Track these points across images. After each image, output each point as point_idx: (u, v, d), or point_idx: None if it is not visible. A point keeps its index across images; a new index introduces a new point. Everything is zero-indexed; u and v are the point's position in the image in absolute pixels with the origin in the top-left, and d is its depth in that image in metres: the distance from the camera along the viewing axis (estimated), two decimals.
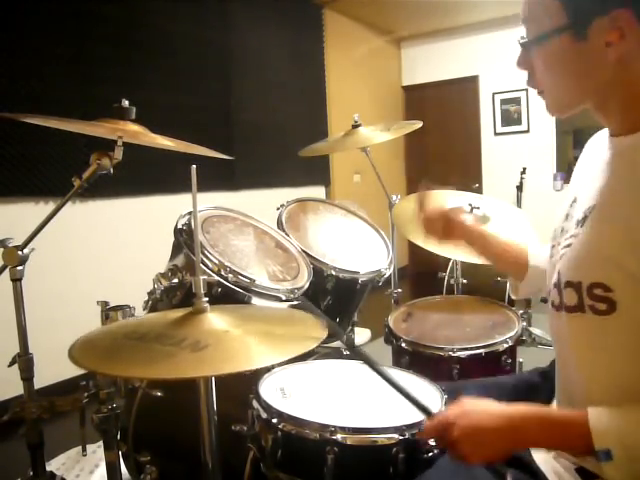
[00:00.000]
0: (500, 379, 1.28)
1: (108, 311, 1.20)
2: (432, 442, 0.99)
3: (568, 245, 0.85)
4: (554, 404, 1.03)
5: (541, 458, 0.92)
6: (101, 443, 1.24)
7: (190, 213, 1.49)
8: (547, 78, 0.84)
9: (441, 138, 6.03)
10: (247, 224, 1.74)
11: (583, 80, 0.81)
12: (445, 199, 1.23)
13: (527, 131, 5.46)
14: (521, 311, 1.74)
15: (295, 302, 1.50)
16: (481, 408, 0.82)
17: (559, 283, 0.85)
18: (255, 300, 1.43)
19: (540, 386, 1.12)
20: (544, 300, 1.28)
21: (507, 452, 0.81)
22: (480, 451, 0.80)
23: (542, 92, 0.86)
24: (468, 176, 5.69)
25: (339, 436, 0.96)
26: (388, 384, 0.87)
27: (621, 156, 0.82)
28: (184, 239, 1.46)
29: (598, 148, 0.91)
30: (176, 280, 1.40)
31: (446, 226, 1.23)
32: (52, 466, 2.02)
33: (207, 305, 0.98)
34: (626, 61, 0.76)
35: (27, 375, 1.27)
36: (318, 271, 1.70)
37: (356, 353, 0.93)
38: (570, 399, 0.90)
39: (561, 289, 0.84)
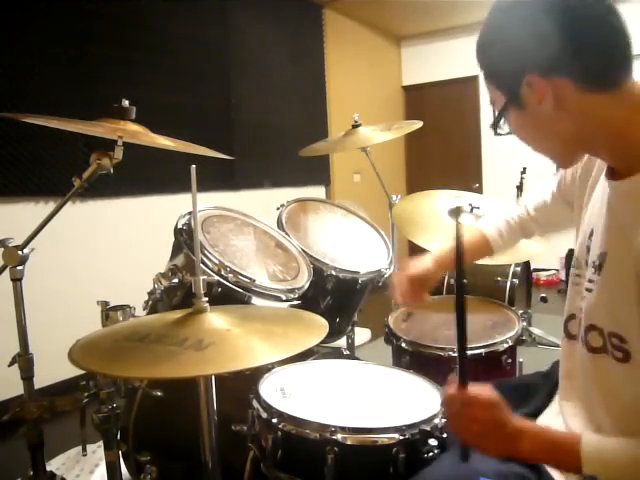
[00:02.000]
0: (502, 382, 1.29)
1: (108, 311, 1.20)
2: (434, 442, 0.99)
3: (589, 290, 0.88)
4: (554, 405, 1.03)
5: None
6: (101, 443, 1.24)
7: (190, 213, 1.49)
8: (531, 146, 0.89)
9: (441, 138, 6.03)
10: (247, 224, 1.74)
11: (551, 139, 0.86)
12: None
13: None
14: (521, 311, 1.74)
15: (295, 302, 1.50)
16: (503, 411, 0.85)
17: (583, 323, 0.88)
18: (255, 300, 1.44)
19: (541, 388, 1.13)
20: (544, 300, 1.29)
21: (501, 455, 0.86)
22: (480, 440, 0.84)
23: (540, 154, 0.91)
24: (468, 176, 5.69)
25: (339, 436, 0.96)
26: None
27: (621, 201, 0.83)
28: (184, 239, 1.46)
29: (601, 173, 0.92)
30: (176, 280, 1.40)
31: (416, 287, 1.38)
32: (52, 466, 2.02)
33: (207, 305, 0.98)
34: (571, 110, 0.80)
35: (27, 375, 1.27)
36: (318, 271, 1.70)
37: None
38: (591, 412, 0.91)
39: (585, 330, 0.88)
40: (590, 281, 0.87)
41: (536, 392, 1.12)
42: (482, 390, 0.86)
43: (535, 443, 0.83)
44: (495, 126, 0.89)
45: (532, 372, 1.25)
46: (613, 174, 0.85)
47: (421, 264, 1.38)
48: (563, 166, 0.92)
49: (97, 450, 2.05)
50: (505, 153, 5.69)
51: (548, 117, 0.81)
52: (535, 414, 1.04)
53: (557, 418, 0.98)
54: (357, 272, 1.77)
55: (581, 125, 0.81)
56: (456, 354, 1.47)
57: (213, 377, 1.04)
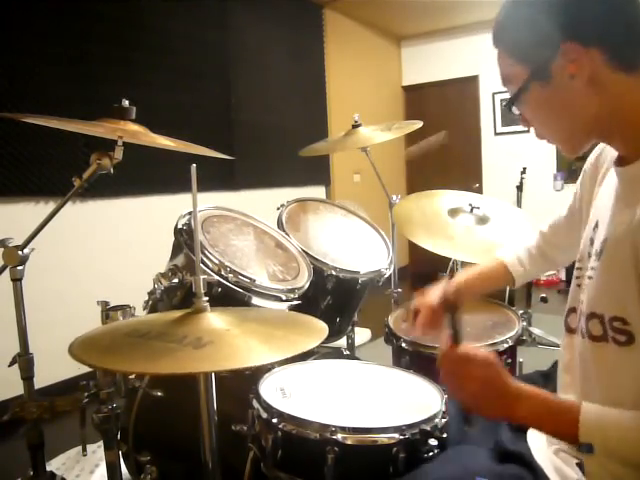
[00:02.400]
0: None
1: (108, 311, 1.20)
2: (434, 442, 0.99)
3: (590, 277, 0.88)
4: None
5: (541, 455, 0.92)
6: (101, 443, 1.24)
7: (190, 213, 1.49)
8: (543, 128, 0.89)
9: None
10: (247, 224, 1.74)
11: (571, 118, 0.84)
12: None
13: (527, 131, 5.38)
14: (521, 311, 1.73)
15: (295, 302, 1.50)
16: (500, 369, 0.85)
17: (584, 312, 0.88)
18: (255, 300, 1.43)
19: (541, 387, 1.13)
20: (544, 300, 1.29)
21: (497, 417, 0.87)
22: (478, 400, 0.85)
23: (546, 139, 0.90)
24: (468, 176, 5.69)
25: (339, 436, 0.96)
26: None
27: (628, 187, 0.84)
28: (184, 239, 1.46)
29: (611, 166, 0.92)
30: (176, 280, 1.40)
31: (438, 317, 1.30)
32: (52, 466, 2.03)
33: (207, 305, 0.98)
34: (599, 86, 0.79)
35: (27, 375, 1.27)
36: (318, 271, 1.70)
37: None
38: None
39: (586, 318, 0.87)
40: (592, 269, 0.87)
41: None
42: (479, 350, 0.87)
43: (533, 406, 0.82)
44: (511, 104, 0.87)
45: (533, 371, 1.26)
46: (621, 162, 0.86)
47: (438, 294, 1.31)
48: (569, 152, 0.89)
49: (97, 450, 2.05)
50: (505, 153, 5.70)
51: (576, 93, 0.80)
52: None
53: None
54: (357, 272, 1.77)
55: (605, 105, 0.80)
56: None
57: (213, 377, 1.04)
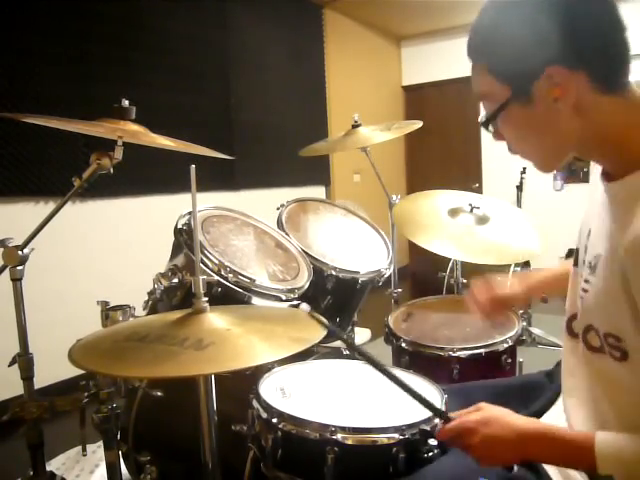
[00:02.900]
0: (506, 380, 1.29)
1: (108, 311, 1.20)
2: (434, 442, 0.99)
3: (585, 290, 0.87)
4: (559, 404, 1.03)
5: None
6: (101, 443, 1.24)
7: (190, 213, 1.49)
8: (519, 145, 0.86)
9: (441, 138, 6.03)
10: (247, 224, 1.74)
11: (552, 139, 0.82)
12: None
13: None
14: (521, 311, 1.73)
15: (295, 302, 1.50)
16: (501, 419, 0.86)
17: (582, 323, 0.88)
18: (255, 300, 1.43)
19: (546, 387, 1.13)
20: (544, 300, 1.29)
21: (515, 462, 0.86)
22: (492, 458, 0.85)
23: (523, 156, 0.88)
24: (468, 176, 5.69)
25: (339, 436, 0.96)
26: (395, 384, 0.89)
27: (616, 205, 0.82)
28: (184, 239, 1.46)
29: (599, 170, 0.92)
30: (176, 280, 1.40)
31: (497, 306, 1.28)
32: (52, 466, 2.02)
33: (207, 305, 0.98)
34: (584, 109, 0.78)
35: (27, 375, 1.27)
36: (318, 271, 1.70)
37: (364, 357, 0.95)
38: (595, 412, 0.91)
39: (584, 331, 0.87)
40: (586, 281, 0.86)
41: (541, 391, 1.11)
42: (469, 415, 0.87)
43: (543, 448, 0.82)
44: (488, 123, 0.85)
45: (534, 372, 1.25)
46: (607, 176, 0.85)
47: (510, 286, 1.28)
48: (545, 169, 0.88)
49: (97, 450, 2.05)
50: (505, 153, 5.64)
51: (558, 115, 0.78)
52: (541, 413, 1.04)
53: (562, 416, 0.98)
54: (357, 272, 1.77)
55: (588, 128, 0.79)
56: (456, 354, 1.48)
57: (213, 377, 1.04)
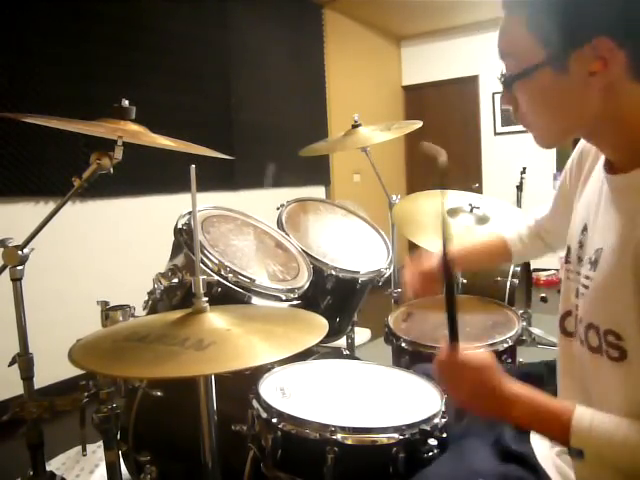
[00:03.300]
0: (506, 370, 1.28)
1: (108, 311, 1.20)
2: (433, 442, 0.99)
3: (586, 287, 0.85)
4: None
5: (544, 456, 0.92)
6: (101, 443, 1.24)
7: (190, 213, 1.49)
8: (531, 114, 0.81)
9: (441, 138, 6.03)
10: (247, 224, 1.74)
11: (569, 114, 0.78)
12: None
13: (527, 131, 5.46)
14: (521, 311, 1.74)
15: (295, 302, 1.50)
16: (494, 372, 0.86)
17: (582, 321, 0.86)
18: (255, 300, 1.44)
19: (545, 377, 1.12)
20: (544, 300, 1.29)
21: (490, 415, 0.88)
22: (472, 402, 0.87)
23: (529, 128, 0.84)
24: (468, 176, 5.69)
25: (339, 436, 0.96)
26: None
27: (620, 195, 0.80)
28: (184, 239, 1.46)
29: (597, 168, 0.90)
30: (176, 280, 1.40)
31: (428, 282, 1.34)
32: (52, 466, 2.02)
33: (207, 305, 0.98)
34: (613, 91, 0.74)
35: (27, 375, 1.27)
36: (318, 271, 1.70)
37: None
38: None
39: (585, 328, 0.85)
40: (587, 278, 0.84)
41: (540, 382, 1.11)
42: (474, 354, 0.88)
43: (526, 409, 0.82)
44: (511, 83, 0.79)
45: (537, 361, 1.26)
46: (611, 168, 0.82)
47: (433, 259, 1.35)
48: (546, 145, 0.84)
49: (97, 450, 2.05)
50: (505, 153, 5.70)
51: (586, 91, 0.74)
52: None
53: None
54: (357, 272, 1.77)
55: (610, 110, 0.75)
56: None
57: (213, 377, 1.04)
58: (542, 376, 1.14)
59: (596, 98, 0.74)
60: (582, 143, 0.99)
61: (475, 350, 0.89)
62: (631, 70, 0.72)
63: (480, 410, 0.87)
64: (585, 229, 0.88)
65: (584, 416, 0.77)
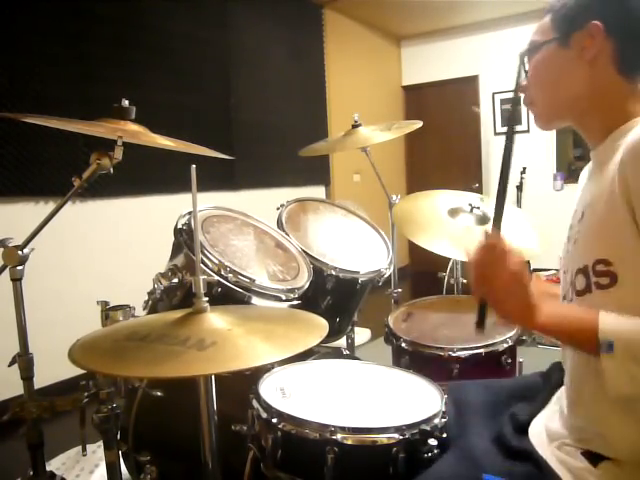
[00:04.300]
0: (501, 380, 1.29)
1: (108, 311, 1.20)
2: (434, 442, 0.99)
3: (575, 242, 0.93)
4: (552, 404, 1.03)
5: (544, 451, 0.93)
6: (101, 443, 1.24)
7: (190, 213, 1.49)
8: (534, 86, 0.98)
9: (441, 138, 6.03)
10: (247, 224, 1.74)
11: (564, 88, 0.95)
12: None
13: (527, 131, 5.45)
14: None
15: (295, 302, 1.50)
16: (527, 273, 0.86)
17: (571, 274, 0.92)
18: (255, 300, 1.43)
19: (540, 387, 1.13)
20: None
21: (516, 319, 0.88)
22: (503, 296, 0.85)
23: (532, 104, 1.00)
24: (468, 176, 5.69)
25: (339, 436, 0.96)
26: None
27: (601, 162, 0.91)
28: (184, 239, 1.46)
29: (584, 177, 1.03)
30: (176, 280, 1.40)
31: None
32: (52, 466, 2.02)
33: (207, 305, 0.98)
34: (600, 76, 0.90)
35: (27, 375, 1.27)
36: (318, 271, 1.70)
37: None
38: (580, 392, 0.92)
39: (573, 281, 0.91)
40: (577, 232, 0.92)
41: (537, 392, 1.12)
42: (514, 249, 0.87)
43: (553, 315, 0.84)
44: (530, 52, 0.97)
45: (532, 372, 1.26)
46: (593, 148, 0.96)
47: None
48: (544, 123, 1.01)
49: (97, 450, 2.05)
50: None
51: (577, 65, 0.91)
52: (535, 413, 1.04)
53: (555, 416, 0.98)
54: (357, 272, 1.77)
55: (591, 88, 0.91)
56: (456, 354, 1.48)
57: (213, 377, 1.04)
58: (537, 385, 1.15)
59: (586, 75, 0.91)
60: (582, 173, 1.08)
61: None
62: (616, 62, 0.90)
63: (507, 308, 0.85)
64: (575, 212, 0.96)
65: (608, 315, 0.80)
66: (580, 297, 0.89)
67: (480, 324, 0.88)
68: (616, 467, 0.84)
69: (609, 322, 0.79)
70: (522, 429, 1.00)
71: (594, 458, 0.86)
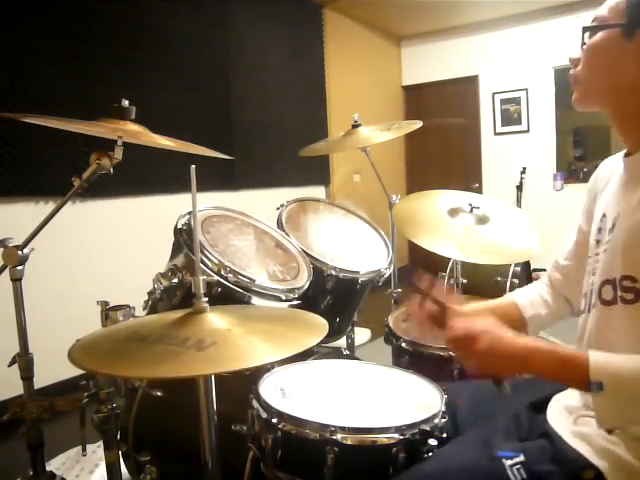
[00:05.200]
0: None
1: (108, 311, 1.20)
2: (434, 442, 0.99)
3: (605, 250, 0.95)
4: (555, 400, 1.03)
5: (562, 427, 0.95)
6: (101, 443, 1.24)
7: (190, 213, 1.49)
8: (585, 66, 0.95)
9: (441, 138, 6.03)
10: (247, 224, 1.74)
11: (613, 76, 0.93)
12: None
13: (527, 131, 5.46)
14: None
15: (295, 302, 1.50)
16: (502, 331, 0.91)
17: (597, 282, 0.95)
18: (255, 300, 1.44)
19: (538, 387, 1.13)
20: None
21: (513, 373, 0.94)
22: (494, 366, 0.91)
23: (577, 83, 0.98)
24: (468, 176, 5.69)
25: (339, 436, 0.96)
26: None
27: (634, 172, 0.93)
28: (184, 239, 1.46)
29: (616, 169, 1.02)
30: (176, 280, 1.40)
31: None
32: (52, 466, 2.02)
33: (207, 305, 0.98)
34: None
35: (27, 375, 1.27)
36: (318, 271, 1.70)
37: None
38: None
39: (599, 289, 0.94)
40: (606, 243, 0.94)
41: (539, 389, 1.12)
42: (474, 322, 0.92)
43: (542, 360, 0.86)
44: (590, 31, 0.94)
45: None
46: (626, 155, 0.97)
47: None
48: (580, 103, 0.99)
49: (97, 450, 2.05)
50: (505, 153, 5.70)
51: (633, 61, 0.89)
52: (539, 409, 1.04)
53: (562, 413, 0.99)
54: (357, 272, 1.77)
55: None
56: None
57: (213, 377, 1.04)
58: (535, 385, 1.15)
59: (635, 66, 0.89)
60: (593, 175, 1.12)
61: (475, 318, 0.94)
62: None
63: (502, 369, 0.91)
64: (604, 216, 0.98)
65: (599, 354, 0.83)
66: (607, 307, 0.92)
67: (498, 385, 0.93)
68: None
69: (599, 360, 0.81)
70: (538, 409, 1.03)
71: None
